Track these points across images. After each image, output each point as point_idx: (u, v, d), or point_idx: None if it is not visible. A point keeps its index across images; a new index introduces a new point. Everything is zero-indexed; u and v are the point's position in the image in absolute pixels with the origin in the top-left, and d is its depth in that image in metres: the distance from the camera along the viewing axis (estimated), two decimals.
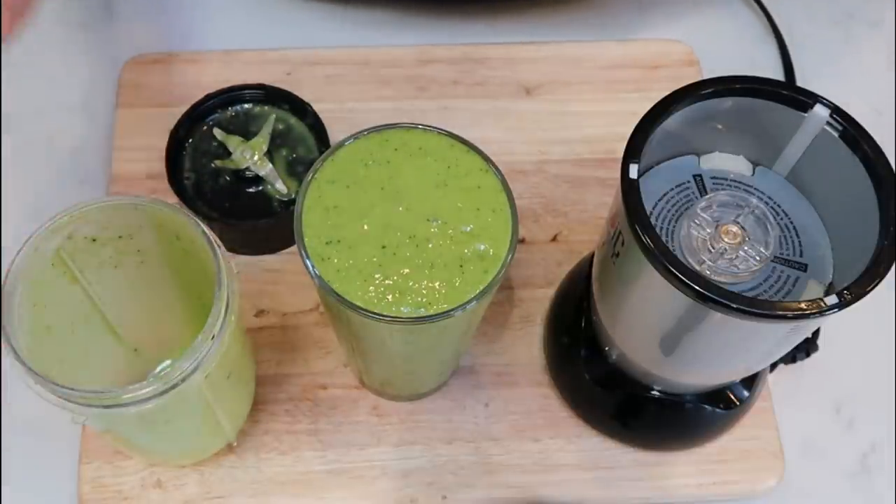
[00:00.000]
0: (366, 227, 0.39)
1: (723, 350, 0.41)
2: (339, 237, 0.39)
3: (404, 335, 0.41)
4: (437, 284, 0.38)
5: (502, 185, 0.40)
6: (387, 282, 0.38)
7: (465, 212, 0.39)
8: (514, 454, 0.52)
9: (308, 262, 0.38)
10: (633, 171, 0.37)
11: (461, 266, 0.38)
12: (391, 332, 0.40)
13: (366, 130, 0.41)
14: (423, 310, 0.38)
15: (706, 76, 0.62)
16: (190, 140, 0.56)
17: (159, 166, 0.55)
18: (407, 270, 0.38)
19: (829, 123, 0.39)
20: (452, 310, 0.37)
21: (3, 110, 0.61)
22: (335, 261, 0.38)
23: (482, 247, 0.39)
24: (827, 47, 0.67)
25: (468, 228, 0.39)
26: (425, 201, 0.39)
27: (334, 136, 0.57)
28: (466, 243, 0.39)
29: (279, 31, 0.65)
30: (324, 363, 0.54)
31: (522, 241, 0.57)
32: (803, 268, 0.40)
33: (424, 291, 0.38)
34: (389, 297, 0.38)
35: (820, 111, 0.39)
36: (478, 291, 0.38)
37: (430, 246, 0.39)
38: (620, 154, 0.38)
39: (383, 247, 0.39)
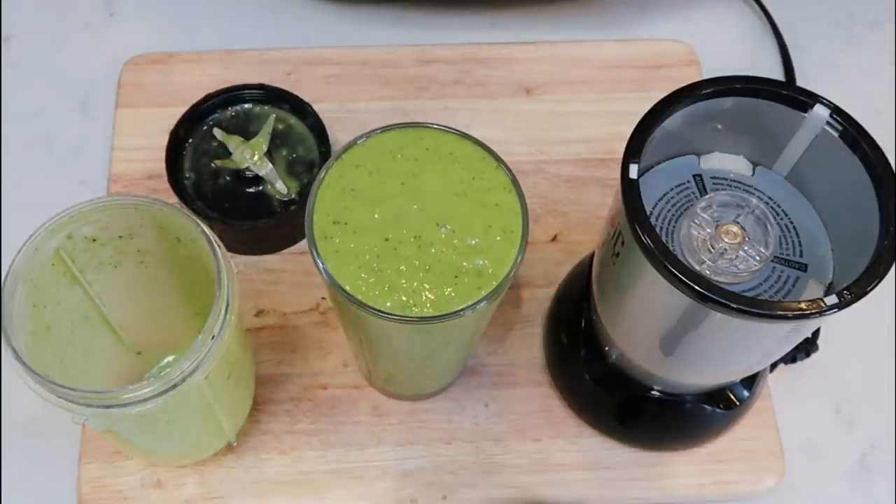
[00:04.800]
0: (376, 216, 0.39)
1: (723, 350, 0.41)
2: (346, 219, 0.39)
3: (385, 329, 0.40)
4: (427, 288, 0.38)
5: (521, 208, 0.40)
6: (379, 273, 0.38)
7: (475, 225, 0.39)
8: (514, 454, 0.52)
9: (311, 236, 0.38)
10: (633, 171, 0.37)
11: (456, 277, 0.38)
12: (369, 321, 0.39)
13: (402, 124, 0.41)
14: (406, 309, 0.38)
15: (706, 76, 0.62)
16: (190, 140, 0.56)
17: (159, 166, 0.55)
18: (403, 268, 0.38)
19: (829, 123, 0.39)
20: (435, 317, 0.37)
21: (3, 110, 0.61)
22: (336, 241, 0.38)
23: (482, 262, 0.38)
24: (827, 47, 0.67)
25: (473, 242, 0.39)
26: (441, 206, 0.39)
27: (334, 136, 0.57)
28: (468, 256, 0.39)
29: (279, 31, 0.65)
30: (324, 363, 0.54)
31: None
32: (803, 268, 0.40)
33: (412, 292, 0.38)
34: (377, 289, 0.38)
35: (820, 111, 0.39)
36: (464, 306, 0.38)
37: (432, 250, 0.39)
38: (620, 154, 0.38)
39: (387, 239, 0.39)
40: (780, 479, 0.52)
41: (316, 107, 0.57)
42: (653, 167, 0.42)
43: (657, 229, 0.40)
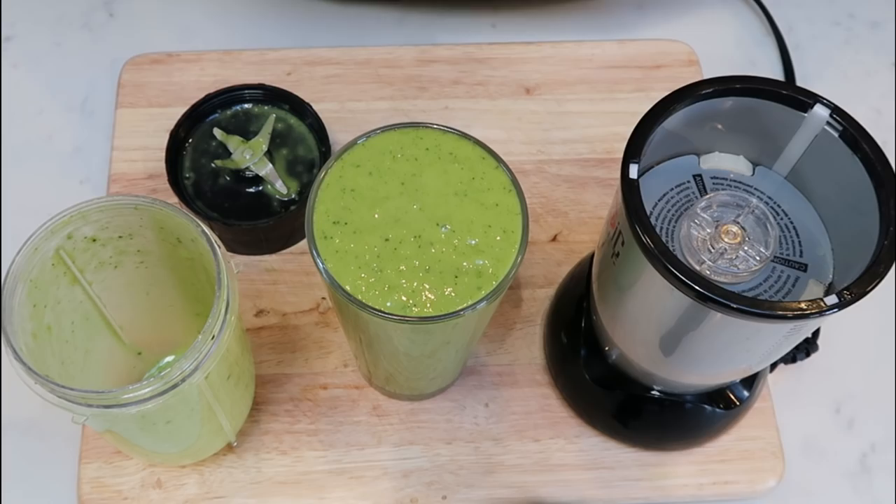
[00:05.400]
0: (376, 216, 0.39)
1: (723, 350, 0.41)
2: (346, 219, 0.39)
3: (385, 329, 0.40)
4: (427, 288, 0.38)
5: (521, 208, 0.40)
6: (379, 273, 0.38)
7: (475, 225, 0.39)
8: (514, 454, 0.52)
9: (311, 236, 0.39)
10: (633, 171, 0.37)
11: (456, 277, 0.38)
12: (369, 321, 0.39)
13: (402, 124, 0.41)
14: (406, 309, 0.38)
15: (706, 76, 0.63)
16: (190, 140, 0.56)
17: (159, 166, 0.55)
18: (403, 268, 0.38)
19: (829, 123, 0.39)
20: (435, 317, 0.37)
21: (3, 110, 0.61)
22: (336, 241, 0.39)
23: (482, 262, 0.38)
24: (827, 47, 0.67)
25: (473, 242, 0.39)
26: (441, 206, 0.39)
27: (334, 136, 0.57)
28: (468, 256, 0.39)
29: (279, 31, 0.65)
30: (324, 363, 0.54)
31: None
32: (803, 268, 0.40)
33: (412, 292, 0.38)
34: (377, 289, 0.38)
35: (820, 111, 0.39)
36: (464, 306, 0.38)
37: (432, 250, 0.39)
38: (620, 154, 0.38)
39: (386, 239, 0.39)
40: (780, 479, 0.52)
41: (316, 107, 0.57)
42: (653, 167, 0.42)
43: (657, 229, 0.40)
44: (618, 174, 0.38)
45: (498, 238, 0.39)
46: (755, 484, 0.52)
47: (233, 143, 0.55)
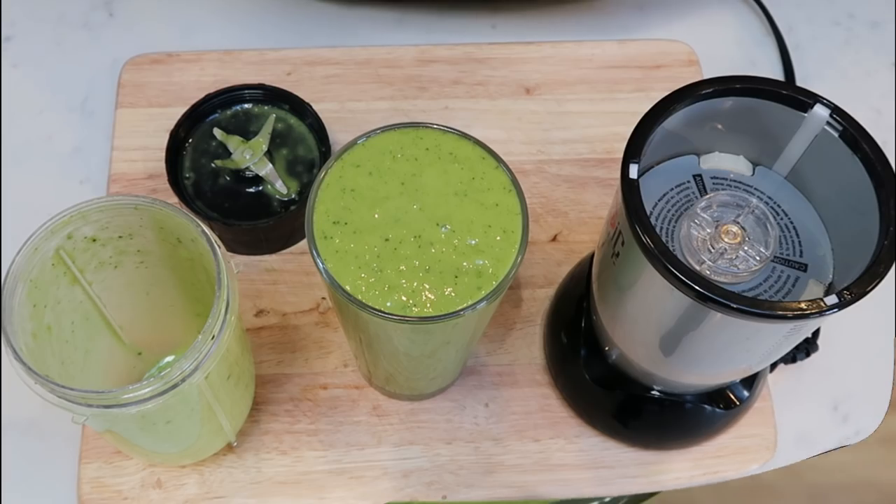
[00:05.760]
0: (376, 216, 0.39)
1: (723, 350, 0.41)
2: (346, 219, 0.39)
3: (385, 329, 0.41)
4: (427, 288, 0.38)
5: (521, 208, 0.40)
6: (379, 273, 0.38)
7: (475, 225, 0.39)
8: (514, 454, 0.52)
9: (311, 236, 0.39)
10: (633, 171, 0.37)
11: (456, 277, 0.38)
12: (369, 321, 0.40)
13: (402, 124, 0.41)
14: (406, 309, 0.38)
15: (706, 76, 0.62)
16: (190, 140, 0.56)
17: (159, 166, 0.55)
18: (403, 268, 0.38)
19: (829, 123, 0.39)
20: (435, 317, 0.37)
21: (3, 110, 0.61)
22: (336, 241, 0.39)
23: (482, 262, 0.39)
24: (827, 47, 0.67)
25: (473, 242, 0.39)
26: (441, 206, 0.40)
27: (334, 136, 0.57)
28: (468, 256, 0.39)
29: (279, 31, 0.65)
30: (324, 363, 0.54)
31: None
32: (803, 268, 0.40)
33: (412, 292, 0.38)
34: (377, 289, 0.38)
35: (820, 111, 0.39)
36: (464, 306, 0.38)
37: (432, 250, 0.39)
38: (620, 154, 0.38)
39: (386, 239, 0.39)
40: (766, 462, 0.52)
41: (316, 107, 0.57)
42: (653, 167, 0.42)
43: (657, 229, 0.40)
44: (618, 174, 0.38)
45: (498, 238, 0.39)
46: (740, 468, 0.53)
47: (233, 143, 0.55)
